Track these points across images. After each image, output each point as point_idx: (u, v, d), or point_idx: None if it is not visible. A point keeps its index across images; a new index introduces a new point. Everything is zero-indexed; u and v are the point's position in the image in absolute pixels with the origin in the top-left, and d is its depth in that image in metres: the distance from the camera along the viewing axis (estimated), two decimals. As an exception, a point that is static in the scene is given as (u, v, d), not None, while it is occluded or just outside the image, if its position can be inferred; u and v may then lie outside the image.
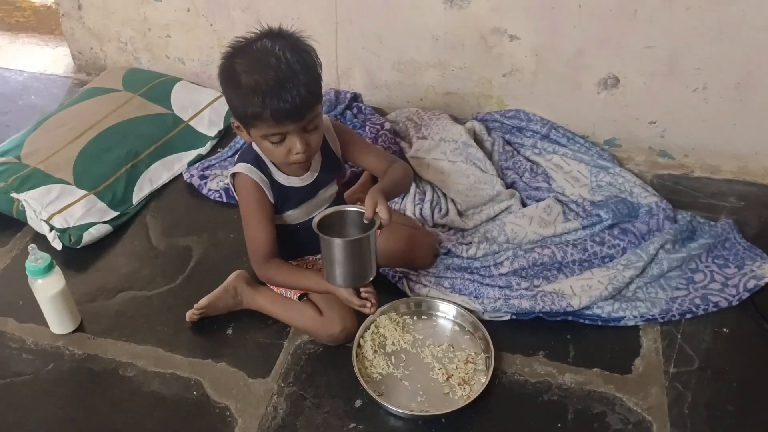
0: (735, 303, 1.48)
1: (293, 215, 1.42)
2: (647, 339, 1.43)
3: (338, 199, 1.50)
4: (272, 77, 1.17)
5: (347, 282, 1.30)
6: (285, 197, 1.38)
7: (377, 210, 1.26)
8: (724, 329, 1.45)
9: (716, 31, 1.65)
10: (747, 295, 1.48)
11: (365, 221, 1.27)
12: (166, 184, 1.87)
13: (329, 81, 2.08)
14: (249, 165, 1.34)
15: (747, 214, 1.73)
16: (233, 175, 1.37)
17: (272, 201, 1.37)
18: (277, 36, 1.23)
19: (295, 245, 1.46)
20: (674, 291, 1.51)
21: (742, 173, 1.85)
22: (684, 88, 1.75)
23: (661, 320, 1.46)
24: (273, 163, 1.36)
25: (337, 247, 1.25)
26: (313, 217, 1.38)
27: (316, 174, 1.40)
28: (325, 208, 1.38)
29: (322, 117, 1.33)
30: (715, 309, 1.48)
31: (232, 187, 1.41)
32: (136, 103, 2.00)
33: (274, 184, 1.37)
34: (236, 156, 1.87)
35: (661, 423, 1.27)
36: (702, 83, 1.73)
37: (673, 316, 1.46)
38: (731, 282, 1.52)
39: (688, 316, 1.47)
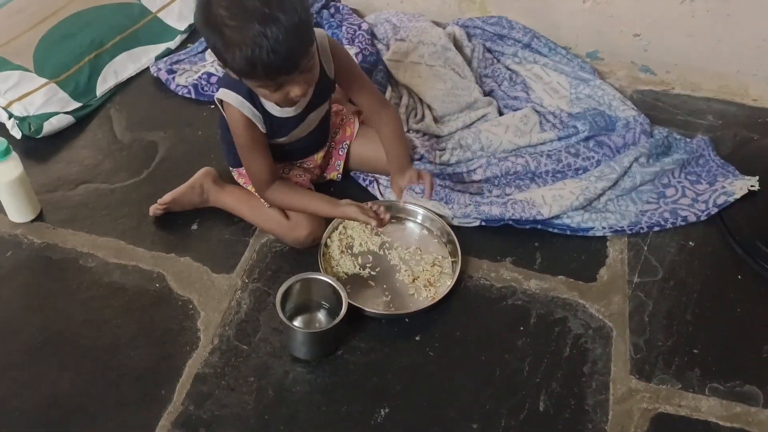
0: (703, 218, 1.49)
1: (283, 140, 1.35)
2: (614, 249, 1.44)
3: (327, 118, 1.42)
4: (258, 32, 1.03)
5: (308, 357, 1.23)
6: (277, 127, 1.30)
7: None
8: (690, 243, 1.45)
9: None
10: (716, 210, 1.48)
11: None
12: (132, 77, 1.79)
13: (306, -22, 1.98)
14: (240, 97, 1.22)
15: (723, 132, 1.71)
16: (221, 101, 1.25)
17: (264, 132, 1.28)
18: None
19: (282, 156, 1.40)
20: (645, 204, 1.51)
21: (722, 92, 1.82)
22: (672, -1, 1.70)
23: (630, 232, 1.46)
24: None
25: (300, 335, 1.21)
26: (306, 134, 1.36)
27: (308, 100, 1.30)
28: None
29: (317, 41, 1.19)
30: (683, 223, 1.48)
31: (220, 107, 1.28)
32: (100, -10, 1.89)
33: (267, 116, 1.27)
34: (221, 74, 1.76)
35: (621, 329, 1.29)
36: (690, -6, 1.68)
37: (642, 228, 1.47)
38: (702, 197, 1.51)
39: (656, 228, 1.47)
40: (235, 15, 1.05)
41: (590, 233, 1.46)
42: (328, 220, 1.41)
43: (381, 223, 1.29)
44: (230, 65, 1.11)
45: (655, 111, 1.76)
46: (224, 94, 1.23)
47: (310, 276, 1.25)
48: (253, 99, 1.24)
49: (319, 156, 1.47)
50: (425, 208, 1.46)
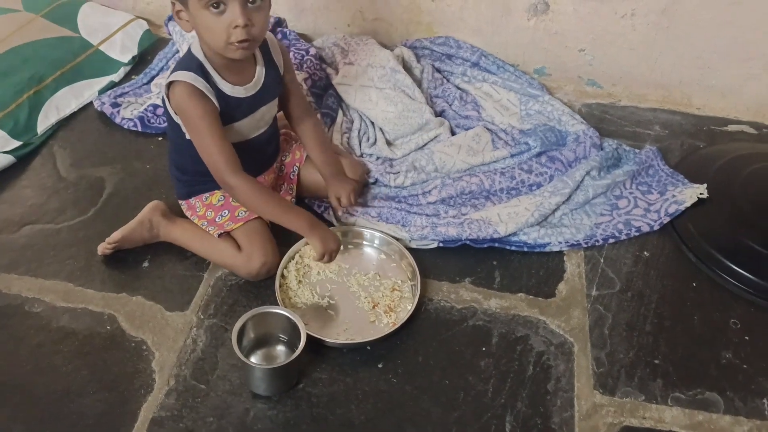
0: (656, 228, 1.51)
1: (240, 128, 1.33)
2: (571, 264, 1.44)
3: (276, 125, 1.45)
4: None
5: (269, 392, 1.20)
6: (231, 108, 1.30)
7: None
8: (645, 253, 1.47)
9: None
10: (668, 219, 1.51)
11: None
12: (75, 112, 1.74)
13: (252, 5, 1.97)
14: (192, 73, 1.24)
15: (671, 141, 1.75)
16: (170, 85, 1.26)
17: (218, 108, 1.27)
18: None
19: (250, 160, 1.35)
20: (599, 217, 1.52)
21: (667, 102, 1.86)
22: (613, 14, 1.73)
23: (585, 245, 1.47)
24: (217, 72, 1.27)
25: (258, 371, 1.18)
26: (259, 133, 1.38)
27: (260, 85, 1.33)
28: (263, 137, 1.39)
29: (268, 39, 1.34)
30: (637, 234, 1.50)
31: (166, 99, 1.29)
32: (38, 24, 1.84)
33: (220, 94, 1.27)
34: (161, 73, 1.86)
35: (582, 343, 1.29)
36: (630, 9, 1.71)
37: (597, 241, 1.48)
38: (653, 207, 1.54)
39: (611, 240, 1.49)
40: None
41: (547, 249, 1.46)
42: (283, 252, 1.38)
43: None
44: None
45: (604, 123, 1.79)
46: (175, 76, 1.25)
47: (266, 310, 1.22)
48: (206, 76, 1.26)
49: (269, 177, 1.46)
50: (382, 232, 1.45)
